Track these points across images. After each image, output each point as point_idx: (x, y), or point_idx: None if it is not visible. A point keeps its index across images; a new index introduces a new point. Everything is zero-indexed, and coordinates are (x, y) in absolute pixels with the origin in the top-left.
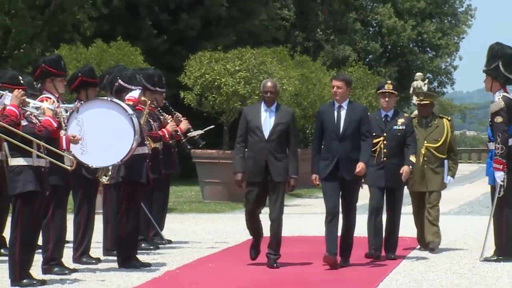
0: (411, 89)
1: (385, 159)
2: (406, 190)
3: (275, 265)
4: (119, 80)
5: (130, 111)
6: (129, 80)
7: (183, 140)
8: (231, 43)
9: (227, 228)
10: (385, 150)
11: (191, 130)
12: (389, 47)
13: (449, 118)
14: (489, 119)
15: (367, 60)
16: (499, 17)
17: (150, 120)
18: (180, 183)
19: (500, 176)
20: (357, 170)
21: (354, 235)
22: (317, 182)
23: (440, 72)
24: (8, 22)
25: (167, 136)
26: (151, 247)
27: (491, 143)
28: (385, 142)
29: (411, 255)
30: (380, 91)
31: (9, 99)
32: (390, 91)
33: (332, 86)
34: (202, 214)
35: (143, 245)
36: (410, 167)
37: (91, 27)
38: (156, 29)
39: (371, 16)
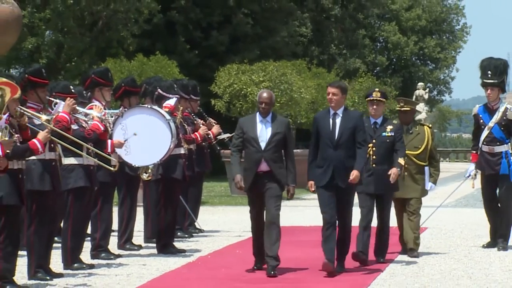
0: (414, 97)
1: (374, 165)
2: None
3: (272, 272)
4: (158, 90)
5: (168, 116)
6: (167, 89)
7: (214, 142)
8: (256, 57)
9: None
10: (374, 157)
11: (221, 133)
12: (394, 60)
13: (430, 126)
14: (501, 124)
15: (375, 71)
16: (491, 34)
17: (185, 125)
18: (211, 180)
19: None
20: (351, 178)
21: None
22: (313, 189)
23: (439, 82)
24: (61, 38)
25: (199, 139)
26: (186, 236)
27: (504, 145)
28: (374, 148)
29: None
30: (368, 99)
31: (61, 106)
32: (378, 98)
33: (327, 93)
34: (231, 206)
35: (179, 233)
36: (399, 169)
37: (134, 43)
38: (190, 44)
39: (378, 33)
